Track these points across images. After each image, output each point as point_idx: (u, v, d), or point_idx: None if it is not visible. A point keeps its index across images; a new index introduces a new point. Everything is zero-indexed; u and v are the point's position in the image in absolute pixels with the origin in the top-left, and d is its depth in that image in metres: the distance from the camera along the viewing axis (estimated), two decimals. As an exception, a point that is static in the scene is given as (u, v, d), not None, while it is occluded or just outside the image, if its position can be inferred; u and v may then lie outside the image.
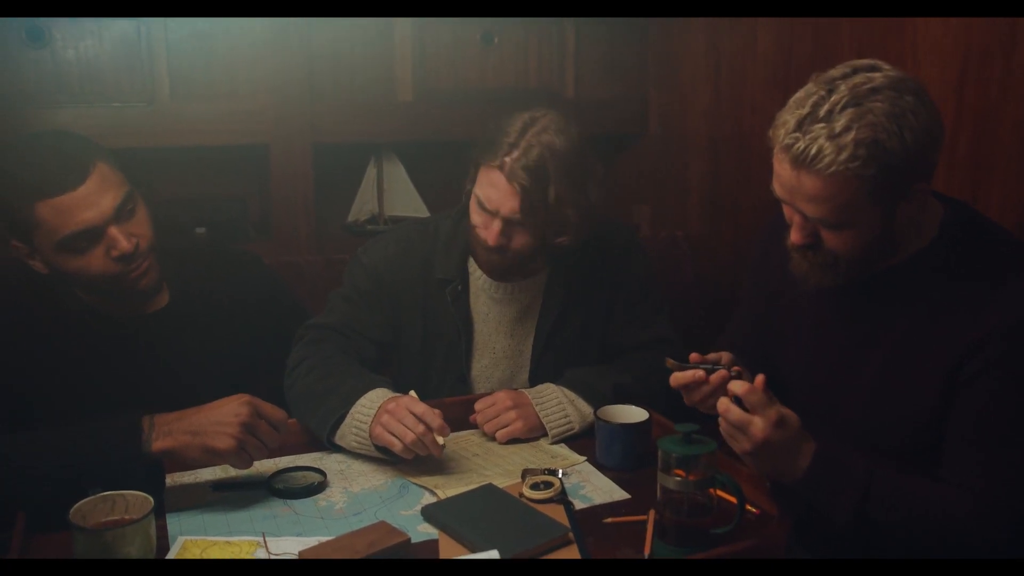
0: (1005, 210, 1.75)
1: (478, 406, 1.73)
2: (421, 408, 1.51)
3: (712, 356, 1.45)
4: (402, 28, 2.54)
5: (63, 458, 1.37)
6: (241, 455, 1.41)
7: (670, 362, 1.42)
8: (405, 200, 2.68)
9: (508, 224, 1.70)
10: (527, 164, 1.65)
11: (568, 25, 2.74)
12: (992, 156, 1.78)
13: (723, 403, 1.31)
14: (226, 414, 1.40)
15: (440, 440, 1.50)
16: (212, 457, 1.40)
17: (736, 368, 1.41)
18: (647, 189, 2.93)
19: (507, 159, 1.66)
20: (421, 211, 2.68)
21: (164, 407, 1.45)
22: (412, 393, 1.59)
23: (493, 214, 1.70)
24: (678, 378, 1.40)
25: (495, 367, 1.86)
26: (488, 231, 1.72)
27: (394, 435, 1.50)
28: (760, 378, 1.30)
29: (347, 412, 1.58)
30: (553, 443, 1.68)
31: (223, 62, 2.37)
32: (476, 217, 1.75)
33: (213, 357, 1.72)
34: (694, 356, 1.43)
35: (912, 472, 1.34)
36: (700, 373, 1.38)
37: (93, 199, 1.48)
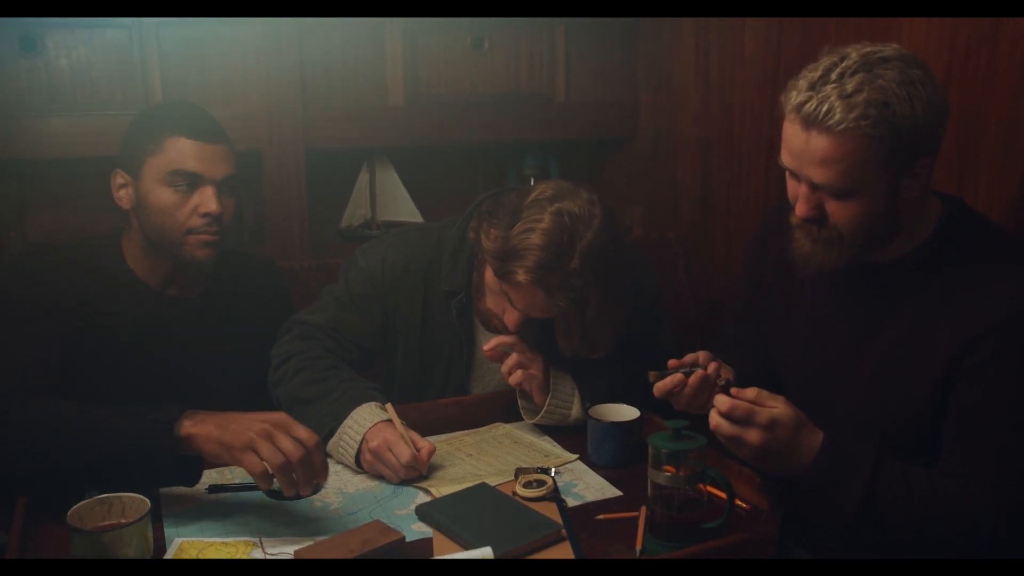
0: (992, 205, 1.77)
1: (517, 347, 1.68)
2: (403, 452, 1.52)
3: (689, 358, 1.47)
4: (393, 33, 2.55)
5: (105, 431, 1.38)
6: (249, 456, 1.32)
7: (652, 374, 1.43)
8: (398, 205, 2.69)
9: (534, 319, 1.66)
10: (572, 293, 1.55)
11: (558, 29, 2.75)
12: (978, 152, 1.80)
13: (713, 419, 1.32)
14: (255, 418, 1.36)
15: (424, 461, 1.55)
16: (224, 451, 1.34)
17: (713, 364, 1.43)
18: (639, 191, 2.95)
19: (549, 277, 1.54)
20: (414, 215, 2.69)
21: (183, 388, 1.60)
22: (389, 407, 1.60)
23: (520, 311, 1.65)
24: (660, 387, 1.43)
25: (492, 376, 1.85)
26: (508, 317, 1.67)
27: (382, 473, 1.54)
28: (749, 392, 1.32)
29: (337, 427, 1.59)
30: (537, 423, 1.72)
31: (216, 69, 2.38)
32: (494, 304, 1.70)
33: (235, 349, 1.83)
34: (672, 362, 1.45)
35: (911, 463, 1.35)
36: (680, 376, 1.41)
37: (216, 159, 1.69)
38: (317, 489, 1.36)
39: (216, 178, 1.68)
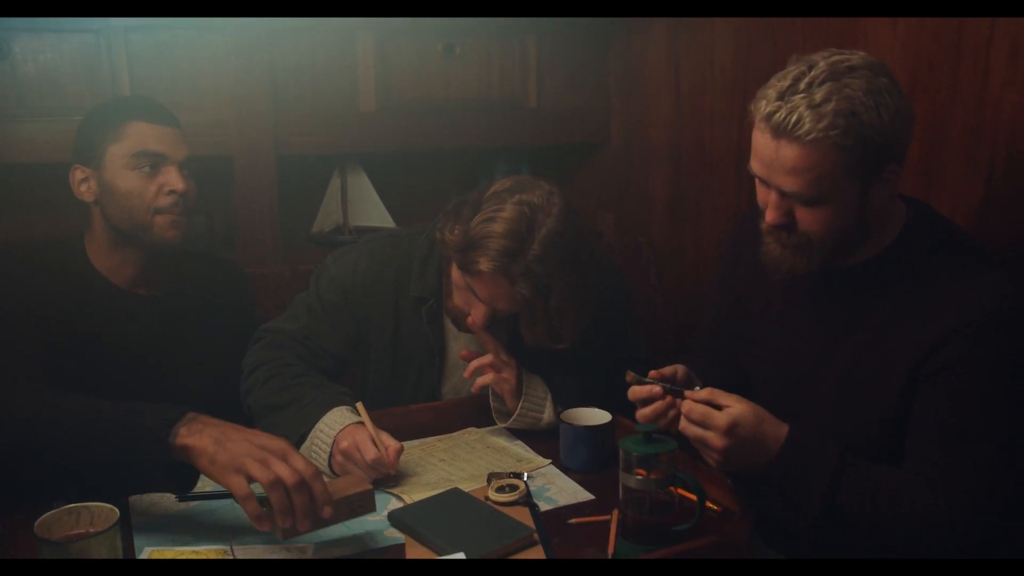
0: (955, 211, 1.80)
1: (489, 349, 1.69)
2: (369, 450, 1.51)
3: (667, 370, 1.48)
4: (364, 39, 2.55)
5: (97, 428, 1.33)
6: (236, 478, 1.25)
7: (630, 375, 1.45)
8: (369, 210, 2.69)
9: (500, 312, 1.66)
10: (534, 281, 1.56)
11: (530, 35, 2.76)
12: (942, 161, 1.83)
13: (682, 423, 1.34)
14: (253, 441, 1.28)
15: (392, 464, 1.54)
16: (213, 468, 1.26)
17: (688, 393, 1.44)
18: (611, 197, 2.97)
19: (511, 265, 1.55)
20: (386, 221, 2.69)
21: (156, 385, 1.67)
22: (360, 406, 1.59)
23: (485, 303, 1.64)
24: (636, 392, 1.44)
25: (464, 383, 1.84)
26: (475, 312, 1.66)
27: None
28: (702, 393, 1.35)
29: (308, 431, 1.58)
30: (509, 427, 1.73)
31: (186, 74, 2.37)
32: (460, 299, 1.70)
33: (205, 346, 1.85)
34: (653, 373, 1.46)
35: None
36: (657, 389, 1.42)
37: (175, 140, 1.76)
38: (320, 525, 1.27)
39: (178, 158, 1.75)
